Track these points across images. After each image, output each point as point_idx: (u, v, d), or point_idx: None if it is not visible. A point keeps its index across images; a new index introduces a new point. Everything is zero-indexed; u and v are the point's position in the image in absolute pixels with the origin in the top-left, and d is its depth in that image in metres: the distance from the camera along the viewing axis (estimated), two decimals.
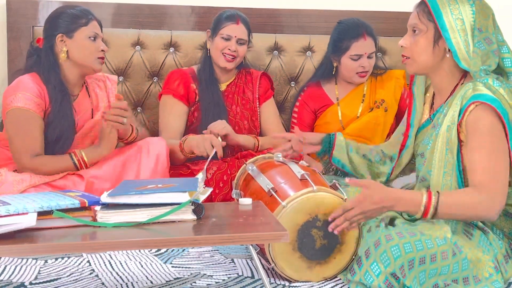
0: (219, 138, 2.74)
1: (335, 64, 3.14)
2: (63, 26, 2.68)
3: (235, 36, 3.04)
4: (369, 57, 3.07)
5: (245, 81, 3.20)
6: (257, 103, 3.19)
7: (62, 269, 2.25)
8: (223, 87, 3.15)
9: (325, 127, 3.15)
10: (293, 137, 2.54)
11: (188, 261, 2.34)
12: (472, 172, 2.05)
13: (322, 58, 3.28)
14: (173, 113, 3.08)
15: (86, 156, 2.64)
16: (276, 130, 3.17)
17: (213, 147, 2.67)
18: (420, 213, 2.03)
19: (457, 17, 2.13)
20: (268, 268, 2.16)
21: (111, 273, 2.22)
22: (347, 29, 3.08)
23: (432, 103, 2.33)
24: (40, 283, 2.12)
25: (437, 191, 2.04)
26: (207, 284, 2.11)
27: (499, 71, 2.18)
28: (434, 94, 2.33)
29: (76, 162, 2.63)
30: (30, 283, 2.11)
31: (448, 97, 2.20)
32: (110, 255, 2.37)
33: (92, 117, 2.79)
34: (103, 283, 2.12)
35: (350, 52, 3.05)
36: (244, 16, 3.10)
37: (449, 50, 2.14)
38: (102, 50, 2.71)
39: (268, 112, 3.22)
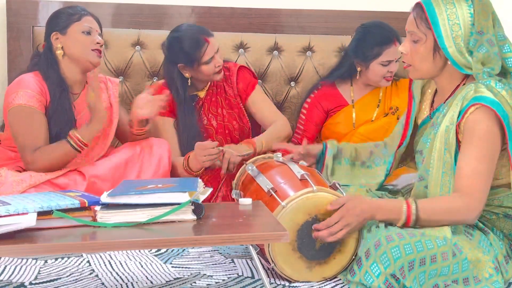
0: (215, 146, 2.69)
1: (359, 69, 3.09)
2: (58, 24, 2.71)
3: None
4: (396, 61, 3.06)
5: (225, 79, 3.06)
6: (239, 99, 3.07)
7: (62, 269, 2.24)
8: (202, 94, 3.04)
9: (336, 126, 3.15)
10: (296, 151, 2.55)
11: (188, 261, 2.34)
12: (459, 176, 2.07)
13: (340, 59, 3.23)
14: (167, 130, 2.98)
15: (81, 135, 2.59)
16: (272, 116, 3.06)
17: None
18: (402, 221, 2.06)
19: (454, 23, 2.09)
20: (268, 268, 2.16)
21: (111, 273, 2.22)
22: (377, 35, 3.03)
23: (432, 101, 2.33)
24: (40, 283, 2.12)
25: (414, 200, 2.07)
26: (207, 284, 2.11)
27: (502, 71, 2.15)
28: (435, 92, 2.32)
29: (74, 144, 2.59)
30: (30, 283, 2.11)
31: (449, 97, 2.20)
32: (110, 255, 2.37)
33: None
34: (103, 283, 2.12)
35: (381, 59, 3.01)
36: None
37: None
38: (98, 43, 2.72)
39: (258, 101, 3.09)
